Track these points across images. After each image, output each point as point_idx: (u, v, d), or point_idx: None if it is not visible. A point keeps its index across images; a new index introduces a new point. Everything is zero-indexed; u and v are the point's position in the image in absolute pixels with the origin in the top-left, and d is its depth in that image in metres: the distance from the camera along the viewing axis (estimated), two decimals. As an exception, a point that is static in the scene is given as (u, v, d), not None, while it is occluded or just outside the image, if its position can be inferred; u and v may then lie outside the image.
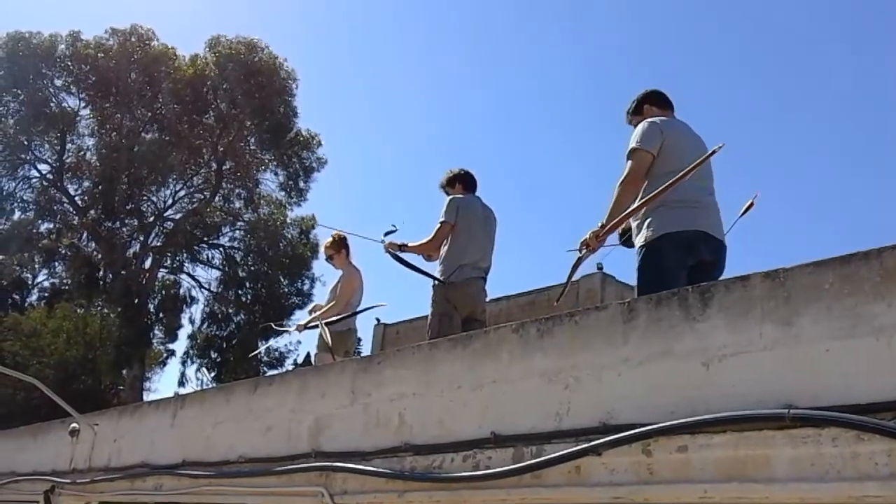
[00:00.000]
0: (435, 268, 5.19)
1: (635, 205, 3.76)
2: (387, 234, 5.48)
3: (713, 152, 3.55)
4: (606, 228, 3.78)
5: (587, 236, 3.81)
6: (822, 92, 49.13)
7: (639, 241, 3.79)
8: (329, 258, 6.60)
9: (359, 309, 6.47)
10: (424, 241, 5.23)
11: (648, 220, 3.73)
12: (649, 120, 3.90)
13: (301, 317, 25.33)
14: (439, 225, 5.14)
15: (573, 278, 4.08)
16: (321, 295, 25.65)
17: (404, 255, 5.32)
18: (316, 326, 6.07)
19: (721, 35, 50.84)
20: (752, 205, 3.90)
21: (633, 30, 51.77)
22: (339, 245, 6.48)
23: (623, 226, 3.89)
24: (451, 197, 5.25)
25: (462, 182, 5.38)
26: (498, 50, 53.88)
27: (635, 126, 4.03)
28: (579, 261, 3.87)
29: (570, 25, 53.15)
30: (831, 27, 47.55)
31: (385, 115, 53.19)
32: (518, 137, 53.97)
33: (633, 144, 3.81)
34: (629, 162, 3.80)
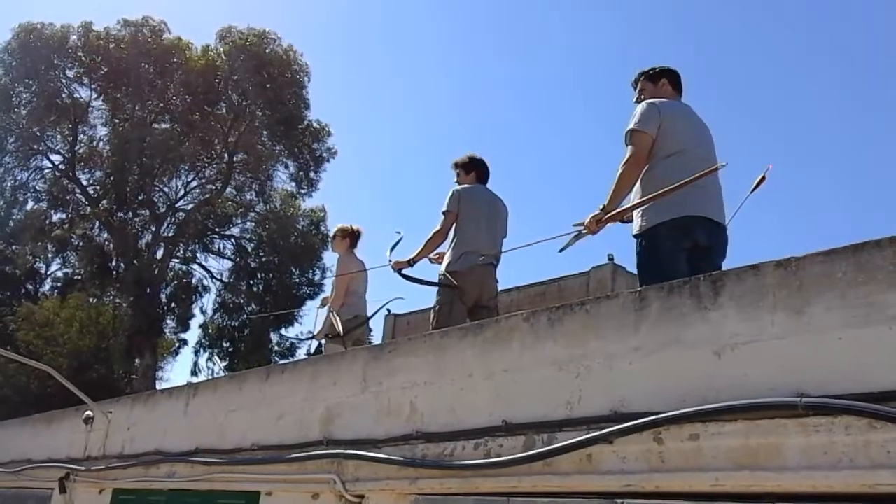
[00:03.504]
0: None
1: (635, 200, 3.77)
2: (392, 248, 5.49)
3: (716, 168, 3.61)
4: (607, 217, 3.79)
5: (587, 220, 3.82)
6: (838, 82, 48.72)
7: (635, 229, 3.81)
8: (332, 239, 6.74)
9: (378, 307, 6.52)
10: (429, 236, 5.25)
11: (645, 208, 3.74)
12: (647, 101, 3.92)
13: (310, 307, 25.41)
14: (443, 216, 5.19)
15: (571, 244, 4.03)
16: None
17: (412, 272, 5.31)
18: (337, 335, 6.00)
19: (749, 19, 50.41)
20: (763, 179, 3.83)
21: (658, 15, 51.44)
22: (345, 234, 6.53)
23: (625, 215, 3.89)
24: (452, 189, 5.27)
25: (477, 171, 5.39)
26: (519, 38, 53.69)
27: (640, 93, 4.07)
28: (579, 236, 3.89)
29: (590, 10, 52.87)
30: (854, 11, 47.09)
31: (399, 105, 53.10)
32: (534, 128, 53.84)
33: (631, 125, 3.82)
34: (629, 145, 3.81)
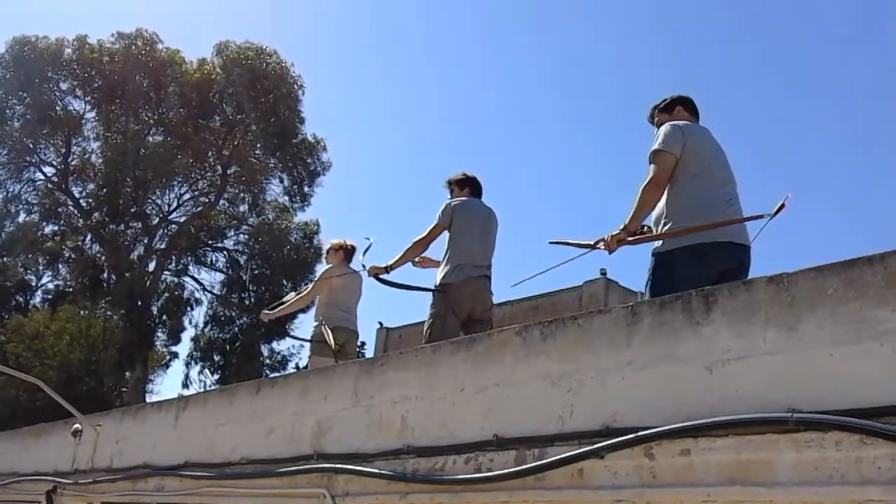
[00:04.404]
0: (433, 274, 5.23)
1: (659, 221, 3.76)
2: (364, 252, 5.66)
3: (760, 217, 3.56)
4: (631, 240, 3.77)
5: (607, 238, 3.80)
6: (831, 94, 49.10)
7: (653, 248, 3.79)
8: (326, 254, 6.93)
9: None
10: (410, 244, 5.29)
11: (665, 230, 3.72)
12: (671, 122, 3.90)
13: (304, 321, 25.43)
14: (432, 226, 5.22)
15: (577, 249, 4.02)
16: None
17: (391, 277, 5.35)
18: (322, 341, 6.07)
19: (736, 32, 50.85)
20: (783, 206, 3.85)
21: (649, 27, 51.81)
22: (340, 248, 6.62)
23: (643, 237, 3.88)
24: (446, 202, 5.29)
25: (471, 187, 5.42)
26: (508, 52, 53.98)
27: (658, 126, 4.04)
28: (593, 248, 3.88)
29: (578, 25, 53.24)
30: (849, 28, 47.50)
31: (393, 119, 53.25)
32: (526, 141, 54.02)
33: (655, 146, 3.79)
34: (652, 165, 3.79)
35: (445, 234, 5.21)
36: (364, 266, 5.46)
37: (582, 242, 4.00)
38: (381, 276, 5.31)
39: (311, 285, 6.86)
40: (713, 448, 2.18)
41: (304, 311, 26.30)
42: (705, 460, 2.20)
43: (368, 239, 5.82)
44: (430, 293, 5.08)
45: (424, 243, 5.27)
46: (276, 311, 7.01)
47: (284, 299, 7.26)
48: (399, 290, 5.37)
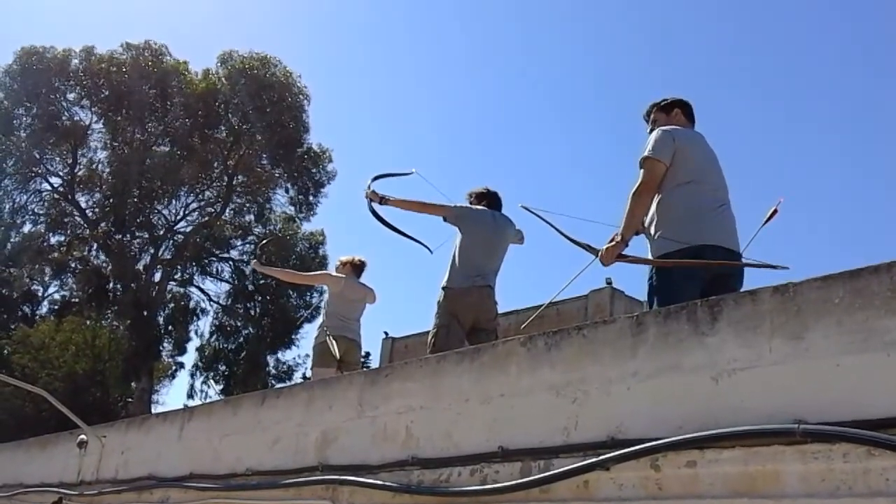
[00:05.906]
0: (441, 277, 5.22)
1: (651, 230, 3.76)
2: (385, 176, 5.56)
3: (775, 266, 3.55)
4: (627, 259, 3.77)
5: (603, 250, 3.80)
6: (834, 102, 49.02)
7: (649, 255, 3.79)
8: (336, 269, 6.92)
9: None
10: (416, 200, 5.28)
11: (658, 237, 3.72)
12: (662, 128, 3.87)
13: (309, 330, 25.46)
14: (439, 203, 5.23)
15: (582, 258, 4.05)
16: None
17: (383, 211, 5.37)
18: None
19: (728, 37, 50.86)
20: (775, 212, 3.84)
21: (639, 31, 51.86)
22: (348, 262, 6.67)
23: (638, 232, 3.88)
24: (464, 205, 5.29)
25: (489, 200, 5.39)
26: (510, 62, 54.10)
27: (653, 124, 4.04)
28: (591, 251, 3.88)
29: (580, 34, 53.33)
30: (843, 35, 47.47)
31: (396, 128, 53.34)
32: (530, 149, 54.06)
33: (645, 153, 3.78)
34: (642, 171, 3.77)
35: (452, 241, 5.21)
36: (368, 186, 5.38)
37: (582, 242, 4.00)
38: (373, 204, 5.30)
39: (313, 273, 7.42)
40: (719, 460, 2.17)
41: (309, 319, 26.58)
42: (711, 472, 2.18)
43: (412, 171, 5.73)
44: (436, 304, 5.06)
45: (423, 206, 5.26)
46: (266, 267, 7.58)
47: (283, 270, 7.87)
48: (382, 224, 5.39)
